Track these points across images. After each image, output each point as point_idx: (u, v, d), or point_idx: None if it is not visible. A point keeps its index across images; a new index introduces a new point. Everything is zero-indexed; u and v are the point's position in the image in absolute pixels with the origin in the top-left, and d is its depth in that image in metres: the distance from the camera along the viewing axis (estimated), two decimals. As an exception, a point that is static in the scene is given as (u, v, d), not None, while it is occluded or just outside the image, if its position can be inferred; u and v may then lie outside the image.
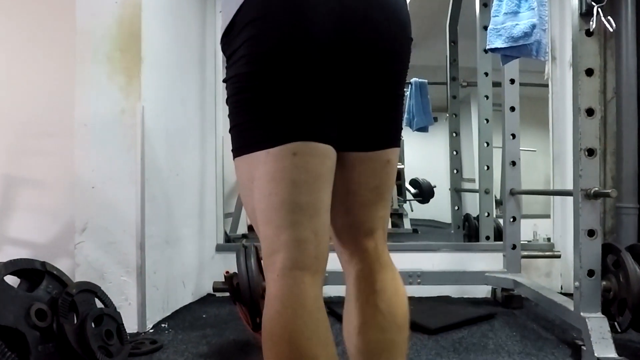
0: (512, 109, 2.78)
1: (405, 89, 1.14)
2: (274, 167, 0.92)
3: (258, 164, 0.93)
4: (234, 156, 1.00)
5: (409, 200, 5.26)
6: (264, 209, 0.94)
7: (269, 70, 0.91)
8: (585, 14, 1.87)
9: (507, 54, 2.30)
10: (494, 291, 2.98)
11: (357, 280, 1.08)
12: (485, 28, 2.48)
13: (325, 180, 0.95)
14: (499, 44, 2.23)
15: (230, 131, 1.00)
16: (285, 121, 0.92)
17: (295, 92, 0.92)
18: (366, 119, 1.02)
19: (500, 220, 3.09)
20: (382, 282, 1.06)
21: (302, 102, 0.92)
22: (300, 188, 0.92)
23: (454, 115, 4.02)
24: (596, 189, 1.86)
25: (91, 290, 1.92)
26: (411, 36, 1.05)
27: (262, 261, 2.02)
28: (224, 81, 1.00)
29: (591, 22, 1.84)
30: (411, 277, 2.77)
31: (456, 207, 4.04)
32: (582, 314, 1.89)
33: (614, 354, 1.79)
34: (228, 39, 0.97)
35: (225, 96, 0.99)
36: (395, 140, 1.07)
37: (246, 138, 0.96)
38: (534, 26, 2.16)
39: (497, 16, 2.26)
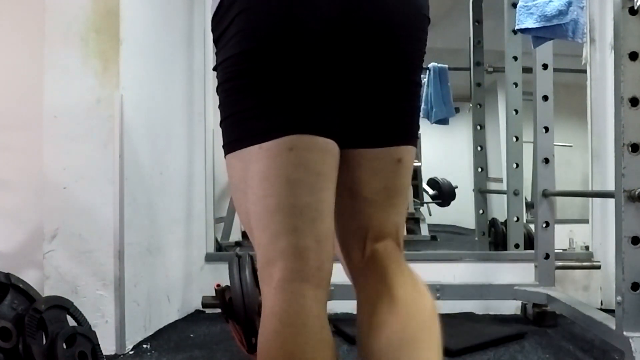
0: (545, 98, 2.77)
1: (422, 76, 1.14)
2: (267, 164, 0.92)
3: (250, 161, 0.93)
4: (225, 153, 1.00)
5: (427, 203, 5.27)
6: (259, 212, 0.94)
7: (262, 50, 0.91)
8: (629, -11, 1.87)
9: (539, 35, 2.29)
10: (524, 307, 2.98)
11: (367, 290, 1.05)
12: (515, 5, 2.47)
13: (327, 179, 0.95)
14: (529, 23, 2.23)
15: (220, 124, 1.00)
16: (279, 110, 0.91)
17: (291, 76, 0.91)
18: (372, 110, 1.01)
19: (532, 226, 3.08)
20: (397, 283, 1.02)
21: (300, 88, 0.92)
22: (299, 188, 0.92)
23: (478, 106, 4.02)
24: (641, 189, 1.86)
25: (62, 306, 1.92)
26: (428, 15, 1.05)
27: (257, 272, 2.02)
28: (214, 69, 1.00)
29: (635, -1, 1.84)
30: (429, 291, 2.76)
31: (481, 211, 4.04)
32: (625, 333, 1.88)
33: (661, 379, 1.79)
34: (217, 19, 0.98)
35: (216, 84, 1.00)
36: (408, 136, 1.06)
37: (237, 131, 0.96)
38: (570, 3, 2.15)
39: (528, -9, 2.25)
